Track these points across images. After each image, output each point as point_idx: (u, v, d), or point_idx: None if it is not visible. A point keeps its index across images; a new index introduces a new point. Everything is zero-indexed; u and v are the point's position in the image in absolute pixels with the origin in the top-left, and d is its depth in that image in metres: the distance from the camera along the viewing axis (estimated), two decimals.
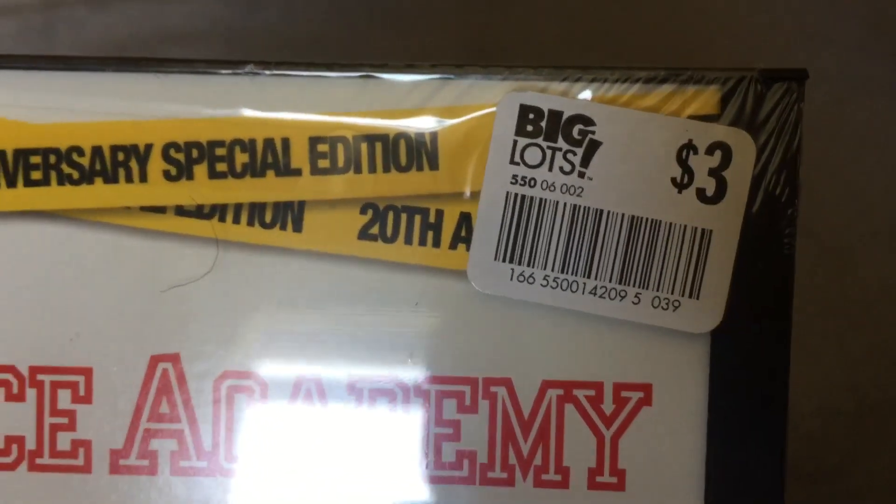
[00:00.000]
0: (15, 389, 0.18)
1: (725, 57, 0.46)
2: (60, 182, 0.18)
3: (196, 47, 0.49)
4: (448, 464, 0.18)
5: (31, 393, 0.18)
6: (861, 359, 0.44)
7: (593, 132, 0.17)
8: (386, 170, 0.18)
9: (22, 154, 0.18)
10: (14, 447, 0.18)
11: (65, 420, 0.18)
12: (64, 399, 0.18)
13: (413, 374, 0.18)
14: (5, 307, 0.18)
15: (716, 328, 0.18)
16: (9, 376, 0.18)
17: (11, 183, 0.18)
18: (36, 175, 0.18)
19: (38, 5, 0.49)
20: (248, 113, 0.18)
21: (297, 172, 0.18)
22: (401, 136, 0.18)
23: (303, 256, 0.18)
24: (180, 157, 0.18)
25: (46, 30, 0.48)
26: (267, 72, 0.18)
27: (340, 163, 0.18)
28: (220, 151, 0.18)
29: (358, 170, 0.18)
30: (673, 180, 0.17)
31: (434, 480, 0.18)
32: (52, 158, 0.18)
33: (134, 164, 0.18)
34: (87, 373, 0.18)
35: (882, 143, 0.46)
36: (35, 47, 0.47)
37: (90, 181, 0.18)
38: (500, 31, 0.46)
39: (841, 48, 0.47)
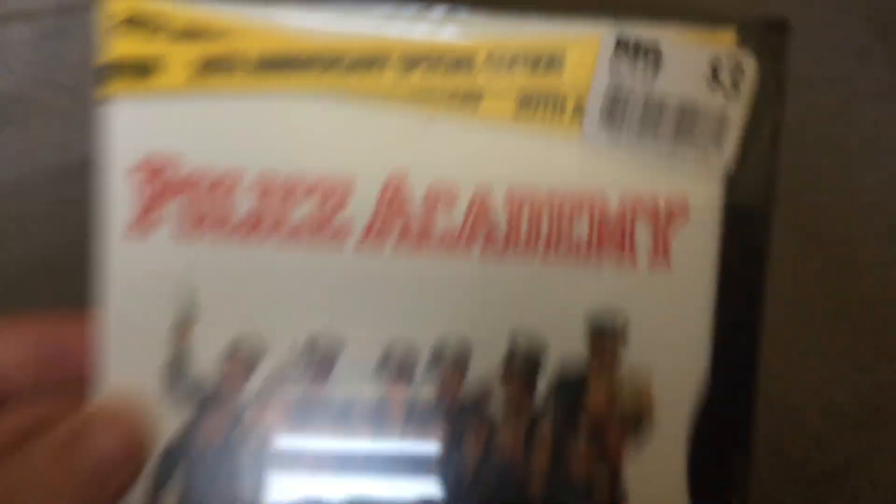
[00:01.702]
0: None
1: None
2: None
3: None
4: None
5: None
6: (866, 361, 0.44)
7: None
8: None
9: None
10: None
11: None
12: None
13: None
14: None
15: None
16: None
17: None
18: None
19: (52, 10, 0.48)
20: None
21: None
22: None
23: None
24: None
25: (60, 34, 0.47)
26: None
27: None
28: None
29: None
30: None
31: None
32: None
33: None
34: None
35: (889, 147, 0.45)
36: (49, 52, 0.46)
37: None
38: None
39: (847, 52, 0.46)
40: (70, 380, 0.23)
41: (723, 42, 0.20)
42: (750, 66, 0.20)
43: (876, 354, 0.43)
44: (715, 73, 0.20)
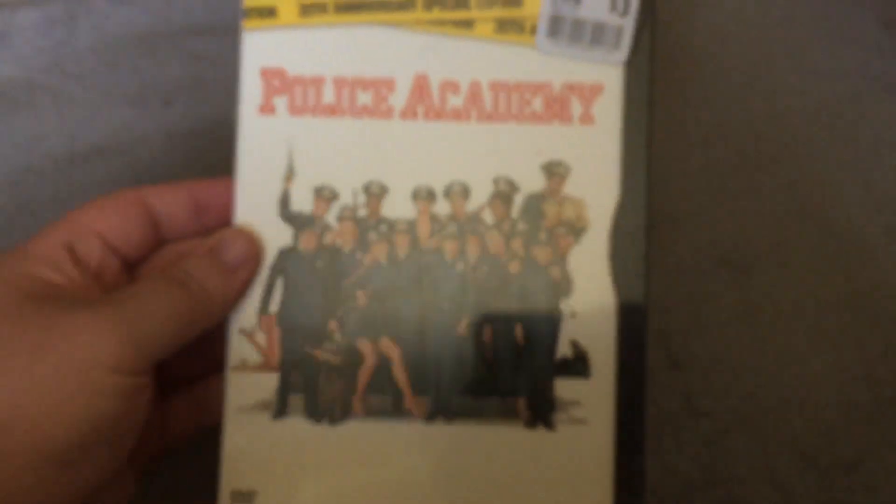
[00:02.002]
0: None
1: None
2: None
3: (221, 41, 0.47)
4: None
5: None
6: (879, 352, 0.43)
7: None
8: None
9: None
10: None
11: None
12: None
13: None
14: None
15: None
16: None
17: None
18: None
19: None
20: None
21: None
22: None
23: None
24: None
25: (68, 21, 0.47)
26: None
27: None
28: None
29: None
30: None
31: None
32: None
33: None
34: None
35: None
36: (57, 39, 0.46)
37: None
38: None
39: (859, 46, 0.47)
40: (215, 224, 0.35)
41: None
42: None
43: (888, 346, 0.43)
44: (614, 2, 0.32)
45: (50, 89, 0.46)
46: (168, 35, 0.46)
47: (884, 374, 0.43)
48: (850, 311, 0.43)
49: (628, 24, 0.32)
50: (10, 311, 0.29)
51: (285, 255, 0.33)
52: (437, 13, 0.33)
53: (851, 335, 0.43)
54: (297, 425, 0.33)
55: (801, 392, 0.43)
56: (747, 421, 0.42)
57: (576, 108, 0.33)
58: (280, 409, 0.33)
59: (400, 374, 0.33)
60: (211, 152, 0.45)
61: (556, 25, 0.33)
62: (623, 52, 0.33)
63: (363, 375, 0.33)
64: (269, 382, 0.33)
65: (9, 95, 0.46)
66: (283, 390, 0.33)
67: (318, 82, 0.33)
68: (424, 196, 0.33)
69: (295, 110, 0.33)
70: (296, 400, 0.33)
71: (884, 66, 0.46)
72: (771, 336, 0.43)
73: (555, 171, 0.33)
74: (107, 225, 0.33)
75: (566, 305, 0.33)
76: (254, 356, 0.33)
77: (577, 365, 0.33)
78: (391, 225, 0.33)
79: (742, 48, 0.46)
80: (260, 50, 0.33)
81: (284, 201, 0.33)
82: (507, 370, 0.33)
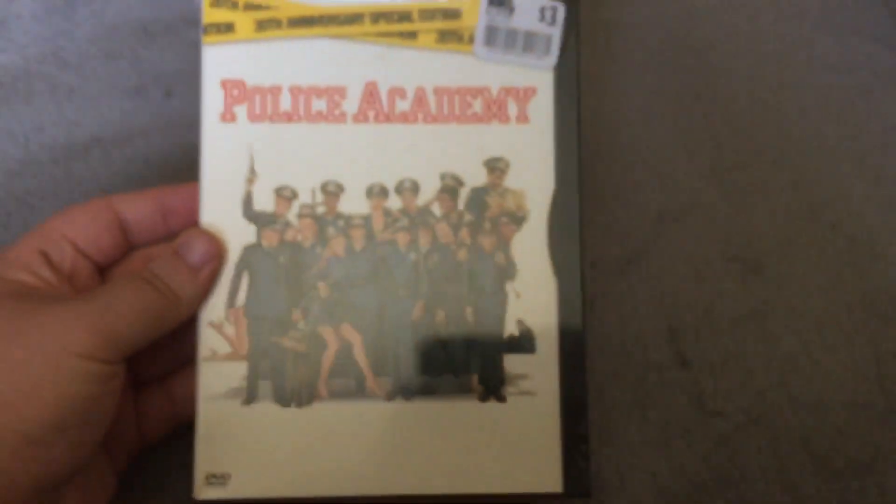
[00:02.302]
0: None
1: None
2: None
3: None
4: None
5: None
6: (891, 352, 0.43)
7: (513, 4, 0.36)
8: None
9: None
10: None
11: None
12: None
13: None
14: None
15: None
16: None
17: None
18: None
19: None
20: None
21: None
22: None
23: None
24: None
25: (67, 10, 0.46)
26: None
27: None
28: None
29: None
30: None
31: None
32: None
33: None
34: None
35: None
36: (56, 27, 0.45)
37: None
38: None
39: (869, 41, 0.47)
40: (182, 227, 0.37)
41: None
42: (560, 8, 0.36)
43: None
44: (543, 13, 0.36)
45: (48, 79, 0.45)
46: (167, 25, 0.45)
47: None
48: (862, 310, 0.43)
49: (556, 33, 0.36)
50: None
51: (250, 251, 0.36)
52: (383, 25, 0.36)
53: (863, 334, 0.43)
54: (267, 410, 0.35)
55: (813, 392, 0.42)
56: (758, 421, 0.42)
57: (512, 109, 0.36)
58: (250, 395, 0.35)
59: (361, 357, 0.36)
60: None
61: (491, 35, 0.36)
62: (553, 58, 0.36)
63: (327, 361, 0.36)
64: (238, 371, 0.35)
65: (6, 85, 0.45)
66: (252, 377, 0.35)
67: (275, 91, 0.36)
68: (377, 193, 0.36)
69: (254, 117, 0.36)
70: (264, 386, 0.35)
71: (893, 60, 0.46)
72: (782, 335, 0.43)
73: (495, 167, 0.36)
74: (78, 232, 0.35)
75: (511, 288, 0.36)
76: (223, 347, 0.35)
77: (524, 342, 0.36)
78: (347, 220, 0.36)
79: (751, 42, 0.46)
80: (219, 62, 0.36)
81: (247, 202, 0.36)
82: (459, 349, 0.36)
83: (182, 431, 0.38)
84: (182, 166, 0.43)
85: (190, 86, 0.44)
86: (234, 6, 0.36)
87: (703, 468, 0.41)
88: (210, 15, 0.36)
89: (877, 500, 0.41)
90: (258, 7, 0.36)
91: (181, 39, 0.45)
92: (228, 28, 0.36)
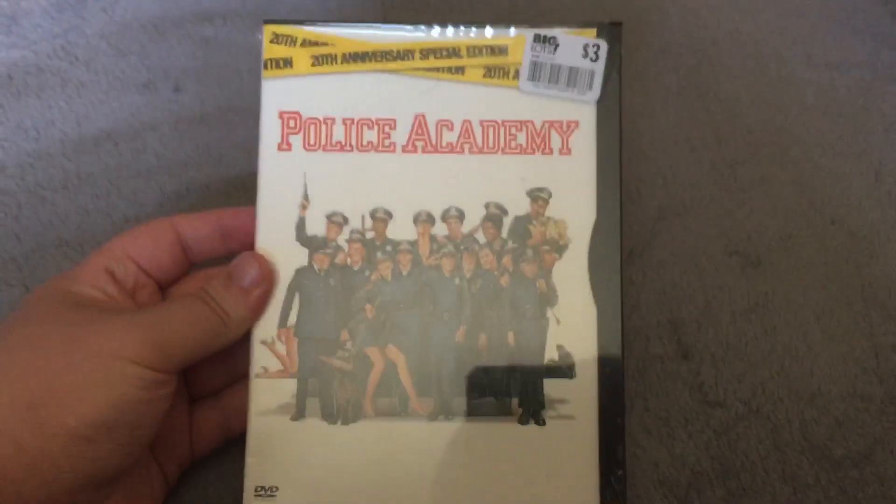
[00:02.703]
0: None
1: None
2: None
3: (230, 26, 0.47)
4: None
5: None
6: (889, 344, 0.43)
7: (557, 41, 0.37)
8: None
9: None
10: None
11: None
12: None
13: None
14: None
15: None
16: None
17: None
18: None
19: None
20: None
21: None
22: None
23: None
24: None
25: (77, 5, 0.46)
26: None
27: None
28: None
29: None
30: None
31: None
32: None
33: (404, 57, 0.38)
34: None
35: None
36: (66, 23, 0.46)
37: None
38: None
39: (869, 39, 0.47)
40: (239, 248, 0.39)
41: (589, 34, 0.38)
42: (603, 46, 0.38)
43: None
44: (586, 50, 0.37)
45: (58, 74, 0.46)
46: (177, 20, 0.46)
47: (894, 367, 0.43)
48: (861, 303, 0.43)
49: (599, 69, 0.37)
50: (53, 312, 0.33)
51: (301, 273, 0.37)
52: (432, 61, 0.38)
53: (862, 327, 0.43)
54: (315, 426, 0.37)
55: (812, 383, 0.43)
56: (758, 412, 0.42)
57: (555, 141, 0.38)
58: (299, 411, 0.37)
59: (405, 378, 0.37)
60: (220, 139, 0.45)
61: (536, 71, 0.38)
62: (595, 93, 0.38)
63: (372, 380, 0.37)
64: (288, 388, 0.37)
65: (17, 80, 0.45)
66: (301, 394, 0.37)
67: (329, 122, 0.38)
68: (424, 220, 0.38)
69: (309, 147, 0.38)
70: (312, 403, 0.37)
71: (893, 58, 0.46)
72: (782, 327, 0.43)
73: (538, 196, 0.38)
74: (140, 251, 0.37)
75: (552, 314, 0.37)
76: (274, 364, 0.37)
77: (563, 367, 0.37)
78: (395, 246, 0.38)
79: (752, 40, 0.47)
80: (278, 95, 0.38)
81: (300, 226, 0.38)
82: (500, 373, 0.37)
83: (227, 448, 0.40)
84: (190, 161, 0.44)
85: (198, 81, 0.45)
86: (293, 42, 0.38)
87: (704, 457, 0.42)
88: (270, 51, 0.38)
89: (875, 490, 0.41)
90: (315, 43, 0.38)
91: (190, 35, 0.46)
92: (287, 63, 0.38)
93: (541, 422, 0.37)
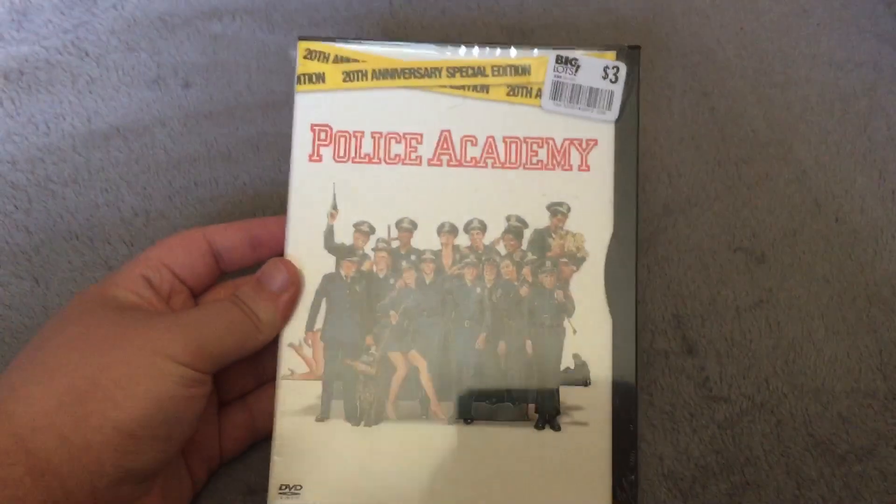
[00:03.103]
0: None
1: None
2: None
3: (240, 23, 0.47)
4: None
5: None
6: (893, 341, 0.43)
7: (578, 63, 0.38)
8: None
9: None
10: None
11: None
12: None
13: None
14: None
15: None
16: None
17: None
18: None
19: None
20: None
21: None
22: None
23: None
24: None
25: (87, 1, 0.47)
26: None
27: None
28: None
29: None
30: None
31: None
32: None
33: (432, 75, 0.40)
34: None
35: None
36: (76, 19, 0.46)
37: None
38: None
39: (873, 38, 0.47)
40: (269, 256, 0.40)
41: (609, 56, 0.39)
42: (622, 68, 0.39)
43: None
44: (606, 71, 0.39)
45: (69, 69, 0.46)
46: (187, 17, 0.47)
47: None
48: (865, 300, 0.44)
49: (618, 90, 0.39)
50: (96, 313, 0.35)
51: (328, 280, 0.39)
52: (458, 79, 0.39)
53: (866, 323, 0.43)
54: (338, 427, 0.38)
55: (816, 379, 0.43)
56: (762, 407, 0.43)
57: (575, 158, 0.39)
58: (323, 413, 0.38)
59: (426, 382, 0.38)
60: (228, 134, 0.46)
61: (557, 90, 0.39)
62: (614, 113, 0.39)
63: (395, 384, 0.39)
64: (313, 390, 0.38)
65: (28, 74, 0.46)
66: (326, 396, 0.38)
67: (358, 135, 0.40)
68: (448, 231, 0.39)
69: (338, 158, 0.39)
70: (337, 405, 0.38)
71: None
72: (786, 323, 0.44)
73: (558, 210, 0.39)
74: (175, 259, 0.39)
75: (569, 323, 0.39)
76: (301, 367, 0.38)
77: (579, 375, 0.38)
78: (419, 255, 0.39)
79: (757, 39, 0.47)
80: (310, 109, 0.40)
81: (329, 234, 0.39)
82: (518, 379, 0.38)
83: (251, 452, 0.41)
84: (199, 156, 0.45)
85: (208, 78, 0.46)
86: (325, 59, 0.40)
87: (709, 452, 0.42)
88: (304, 66, 0.40)
89: (878, 486, 0.41)
90: (347, 60, 0.40)
91: (199, 32, 0.46)
92: (319, 78, 0.40)
93: (556, 427, 0.38)
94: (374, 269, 0.39)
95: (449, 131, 0.40)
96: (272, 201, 0.46)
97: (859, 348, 0.43)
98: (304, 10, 0.48)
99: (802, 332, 0.44)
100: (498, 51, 0.40)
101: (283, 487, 0.38)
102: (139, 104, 0.46)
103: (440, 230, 0.39)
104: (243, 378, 0.41)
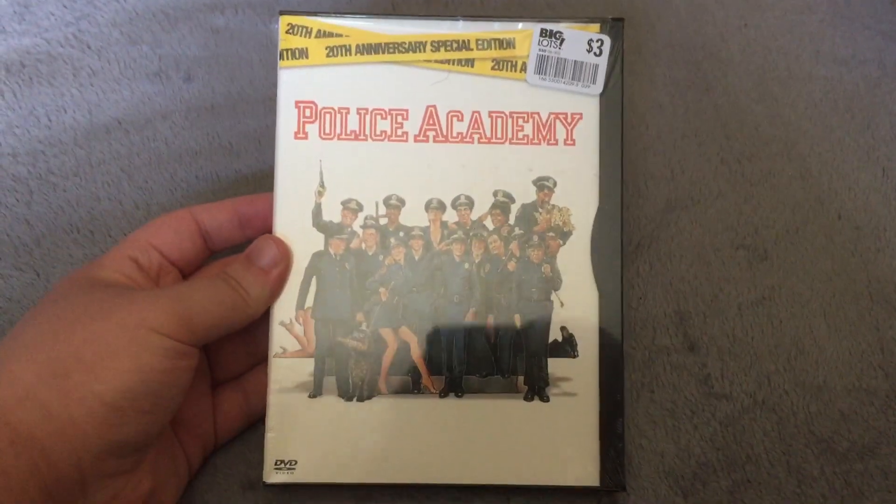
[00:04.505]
0: None
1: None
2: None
3: (241, 16, 0.47)
4: None
5: None
6: (894, 340, 0.43)
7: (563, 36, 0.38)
8: None
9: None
10: None
11: None
12: None
13: None
14: None
15: None
16: None
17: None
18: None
19: None
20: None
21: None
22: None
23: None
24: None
25: None
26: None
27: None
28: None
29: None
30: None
31: None
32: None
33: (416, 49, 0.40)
34: None
35: None
36: (78, 11, 0.46)
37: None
38: None
39: (877, 35, 0.47)
40: (257, 235, 0.40)
41: (593, 29, 0.39)
42: (607, 41, 0.39)
43: None
44: (590, 45, 0.39)
45: (70, 62, 0.46)
46: (189, 10, 0.47)
47: None
48: (867, 298, 0.44)
49: (602, 63, 0.39)
50: (83, 289, 0.35)
51: (318, 258, 0.39)
52: (443, 53, 0.39)
53: (868, 321, 0.43)
54: (331, 403, 0.39)
55: (818, 376, 0.43)
56: (763, 404, 0.43)
57: (560, 132, 0.39)
58: (316, 389, 0.39)
59: (417, 357, 0.39)
60: (230, 128, 0.46)
61: (542, 64, 0.39)
62: (599, 86, 0.39)
63: (386, 359, 0.39)
64: (305, 367, 0.39)
65: (29, 67, 0.46)
66: (318, 373, 0.39)
67: (343, 112, 0.39)
68: (435, 207, 0.39)
69: (324, 135, 0.39)
70: (329, 381, 0.39)
71: None
72: (788, 321, 0.44)
73: (544, 185, 0.40)
74: (163, 240, 0.39)
75: (556, 297, 0.39)
76: (292, 344, 0.39)
77: (567, 347, 0.39)
78: (408, 231, 0.39)
79: (761, 35, 0.47)
80: (294, 85, 0.39)
81: (317, 213, 0.39)
82: (507, 352, 0.39)
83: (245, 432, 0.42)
84: (201, 150, 0.45)
85: (210, 71, 0.46)
86: (308, 33, 0.39)
87: (710, 449, 0.43)
88: (286, 41, 0.39)
89: (879, 483, 0.42)
90: (330, 34, 0.39)
91: (201, 25, 0.46)
92: (303, 53, 0.39)
93: (545, 398, 0.39)
94: (363, 246, 0.39)
95: (435, 107, 0.40)
96: None
97: (861, 346, 0.43)
98: (305, 1, 0.47)
99: (804, 329, 0.44)
100: (482, 24, 0.39)
101: (279, 462, 0.38)
102: (141, 97, 0.46)
103: (428, 206, 0.39)
104: (237, 358, 0.41)
